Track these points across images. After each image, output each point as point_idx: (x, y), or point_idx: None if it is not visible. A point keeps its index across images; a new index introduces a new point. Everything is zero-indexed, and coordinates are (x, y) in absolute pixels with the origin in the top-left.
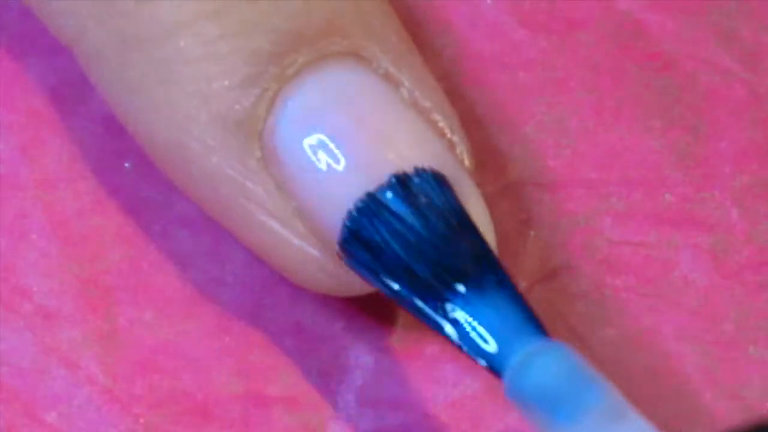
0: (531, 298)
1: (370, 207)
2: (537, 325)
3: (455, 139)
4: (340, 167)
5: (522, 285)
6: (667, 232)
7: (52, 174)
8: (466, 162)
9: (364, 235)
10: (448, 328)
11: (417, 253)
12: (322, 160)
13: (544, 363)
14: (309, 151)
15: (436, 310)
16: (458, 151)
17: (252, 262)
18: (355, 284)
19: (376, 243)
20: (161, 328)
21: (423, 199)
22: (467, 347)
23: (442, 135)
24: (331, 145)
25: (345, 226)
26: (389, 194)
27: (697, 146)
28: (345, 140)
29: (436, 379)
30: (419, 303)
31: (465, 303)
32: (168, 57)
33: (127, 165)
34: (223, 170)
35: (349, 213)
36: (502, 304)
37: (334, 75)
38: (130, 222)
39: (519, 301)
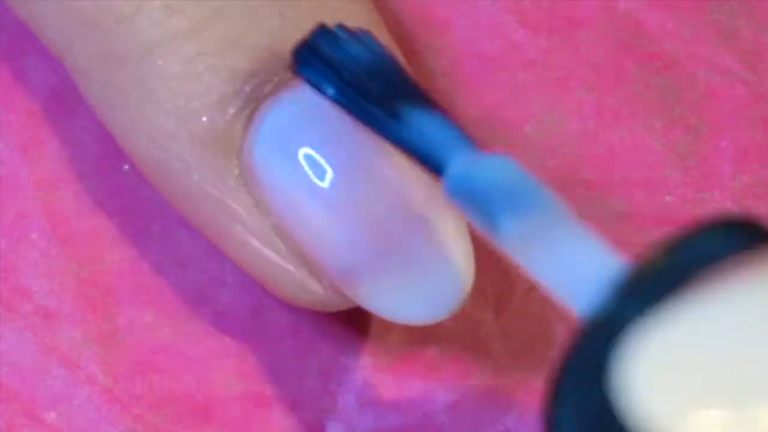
0: (530, 300)
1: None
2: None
3: None
4: (316, 185)
5: (522, 286)
6: (667, 233)
7: (52, 174)
8: None
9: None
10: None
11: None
12: (298, 179)
13: (489, 164)
14: (284, 170)
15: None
16: None
17: None
18: (334, 301)
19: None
20: (161, 328)
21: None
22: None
23: None
24: (307, 163)
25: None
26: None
27: (697, 146)
28: (321, 158)
29: (436, 380)
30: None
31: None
32: (146, 75)
33: (126, 167)
34: (203, 187)
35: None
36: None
37: (311, 92)
38: (130, 222)
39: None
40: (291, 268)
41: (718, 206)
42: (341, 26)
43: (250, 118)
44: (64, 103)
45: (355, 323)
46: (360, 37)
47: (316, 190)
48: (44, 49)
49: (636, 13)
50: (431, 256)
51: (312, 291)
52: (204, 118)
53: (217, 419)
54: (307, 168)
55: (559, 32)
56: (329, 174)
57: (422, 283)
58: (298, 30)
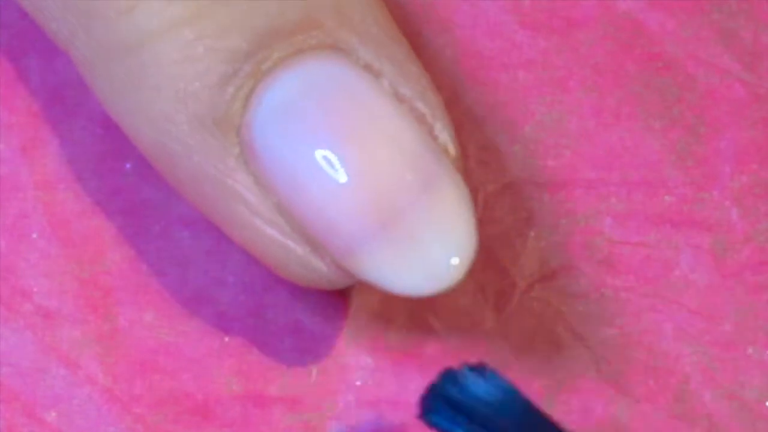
0: (530, 298)
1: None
2: None
3: (438, 126)
4: (316, 160)
5: (521, 285)
6: (666, 232)
7: (52, 175)
8: (450, 150)
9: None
10: None
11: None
12: (299, 155)
13: None
14: (285, 146)
15: None
16: (441, 140)
17: (252, 262)
18: (337, 278)
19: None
20: (161, 328)
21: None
22: None
23: (424, 123)
24: (307, 140)
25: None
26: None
27: (697, 146)
28: (321, 134)
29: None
30: None
31: None
32: (146, 62)
33: (128, 166)
34: (204, 169)
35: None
36: None
37: (311, 69)
38: (131, 223)
39: None
40: (294, 246)
41: (718, 206)
42: (467, 365)
43: (248, 96)
44: (64, 103)
45: (354, 323)
46: (485, 373)
47: (316, 165)
48: (44, 49)
49: (636, 13)
50: (433, 226)
51: (315, 269)
52: (203, 99)
53: (217, 419)
54: (307, 143)
55: (559, 32)
56: (329, 148)
57: (424, 254)
58: (298, 10)
